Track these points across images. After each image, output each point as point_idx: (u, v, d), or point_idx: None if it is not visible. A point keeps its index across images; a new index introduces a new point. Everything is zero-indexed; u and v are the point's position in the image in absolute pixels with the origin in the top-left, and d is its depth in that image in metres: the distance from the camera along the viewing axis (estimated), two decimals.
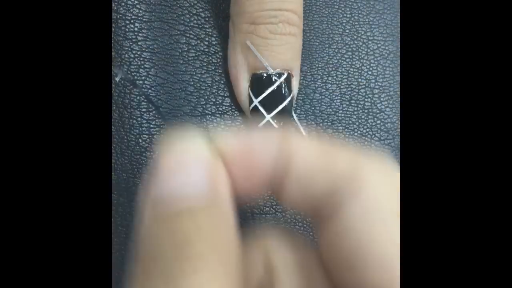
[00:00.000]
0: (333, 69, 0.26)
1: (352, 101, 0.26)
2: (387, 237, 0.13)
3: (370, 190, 0.13)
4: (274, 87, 0.23)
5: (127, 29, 0.24)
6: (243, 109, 0.24)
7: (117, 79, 0.24)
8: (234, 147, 0.14)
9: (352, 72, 0.26)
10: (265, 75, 0.23)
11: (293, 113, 0.23)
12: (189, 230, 0.13)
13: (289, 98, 0.23)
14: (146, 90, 0.24)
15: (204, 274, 0.12)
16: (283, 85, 0.23)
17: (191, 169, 0.13)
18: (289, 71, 0.23)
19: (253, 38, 0.22)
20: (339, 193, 0.14)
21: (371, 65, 0.26)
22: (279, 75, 0.23)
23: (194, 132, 0.14)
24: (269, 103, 0.23)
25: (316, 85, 0.26)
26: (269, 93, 0.23)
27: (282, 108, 0.23)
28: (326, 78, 0.26)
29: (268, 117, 0.23)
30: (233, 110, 0.25)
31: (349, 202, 0.13)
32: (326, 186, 0.14)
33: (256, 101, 0.23)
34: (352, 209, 0.13)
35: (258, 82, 0.23)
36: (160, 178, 0.13)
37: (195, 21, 0.25)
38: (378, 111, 0.26)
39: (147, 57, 0.24)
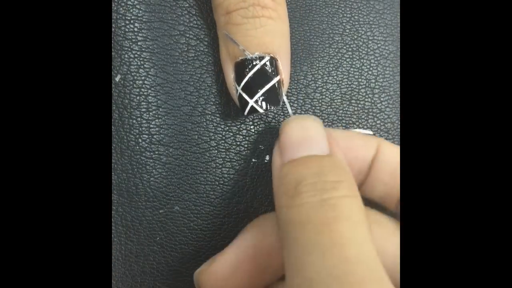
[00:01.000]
0: (334, 69, 0.26)
1: (353, 101, 0.26)
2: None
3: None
4: (254, 71, 0.22)
5: (127, 29, 0.24)
6: (234, 101, 0.24)
7: (117, 79, 0.24)
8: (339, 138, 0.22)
9: (352, 72, 0.26)
10: (243, 60, 0.22)
11: (283, 95, 0.22)
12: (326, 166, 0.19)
13: (273, 81, 0.23)
14: (146, 90, 0.24)
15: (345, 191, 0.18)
16: (266, 68, 0.22)
17: (316, 140, 0.21)
18: (271, 54, 0.23)
19: (229, 27, 0.22)
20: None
21: (371, 65, 0.26)
22: (260, 58, 0.22)
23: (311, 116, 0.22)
24: (252, 87, 0.22)
25: (317, 85, 0.26)
26: (251, 78, 0.22)
27: (268, 91, 0.23)
28: (326, 78, 0.26)
29: (251, 101, 0.23)
30: (233, 110, 0.25)
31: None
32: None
33: (239, 89, 0.23)
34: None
35: (238, 68, 0.23)
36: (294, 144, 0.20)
37: (194, 22, 0.25)
38: (378, 111, 0.26)
39: (147, 57, 0.24)
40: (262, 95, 0.22)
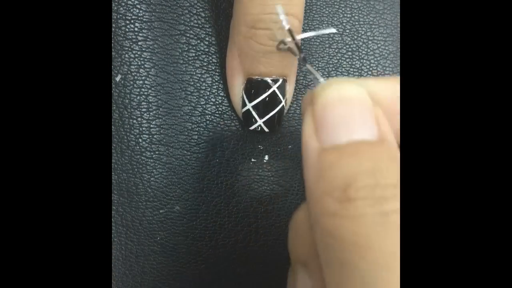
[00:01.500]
0: (333, 69, 0.26)
1: None
2: None
3: None
4: (268, 93, 0.23)
5: (127, 29, 0.24)
6: (235, 110, 0.25)
7: (117, 79, 0.24)
8: (388, 94, 0.17)
9: (352, 72, 0.26)
10: (260, 80, 0.23)
11: (307, 64, 0.23)
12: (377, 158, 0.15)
13: (280, 105, 0.24)
14: (146, 90, 0.24)
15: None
16: (277, 92, 0.23)
17: (363, 117, 0.16)
18: (284, 77, 0.23)
19: (251, 44, 0.22)
20: None
21: (371, 65, 0.26)
22: (275, 81, 0.23)
23: (352, 82, 0.16)
24: (262, 108, 0.23)
25: None
26: (262, 99, 0.23)
27: (276, 114, 0.24)
28: (326, 78, 0.26)
29: (260, 121, 0.24)
30: (233, 111, 0.25)
31: None
32: None
33: (249, 105, 0.24)
34: None
35: (253, 87, 0.23)
36: (332, 127, 0.15)
37: (195, 21, 0.25)
38: None
39: (147, 57, 0.24)
40: (270, 117, 0.24)
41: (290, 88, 0.24)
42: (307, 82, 0.26)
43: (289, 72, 0.24)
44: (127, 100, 0.24)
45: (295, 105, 0.26)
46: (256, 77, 0.23)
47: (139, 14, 0.24)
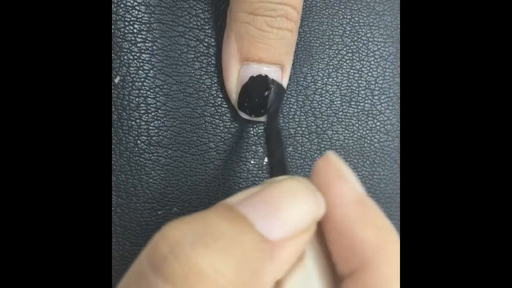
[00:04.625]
0: (333, 70, 0.26)
1: (352, 103, 0.26)
2: None
3: (384, 267, 0.15)
4: (261, 79, 0.23)
5: (126, 31, 0.24)
6: (229, 96, 0.24)
7: (116, 80, 0.24)
8: None
9: (352, 74, 0.26)
10: (258, 75, 0.23)
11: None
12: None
13: (272, 92, 0.23)
14: (145, 91, 0.24)
15: None
16: (270, 78, 0.23)
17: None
18: (280, 65, 0.23)
19: (249, 29, 0.22)
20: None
21: (371, 66, 0.26)
22: (269, 68, 0.23)
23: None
24: (253, 94, 0.23)
25: (316, 87, 0.26)
26: (254, 84, 0.23)
27: (268, 102, 0.23)
28: (326, 80, 0.26)
29: (250, 108, 0.24)
30: (232, 112, 0.25)
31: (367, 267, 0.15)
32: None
33: (239, 90, 0.24)
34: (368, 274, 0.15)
35: (248, 74, 0.23)
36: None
37: (194, 22, 0.25)
38: (378, 113, 0.26)
39: (146, 59, 0.24)
40: (260, 104, 0.23)
41: (285, 78, 0.24)
42: (307, 83, 0.26)
43: (285, 61, 0.24)
44: (126, 102, 0.24)
45: (295, 107, 0.26)
46: (252, 62, 0.23)
47: (138, 16, 0.24)
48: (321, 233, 0.16)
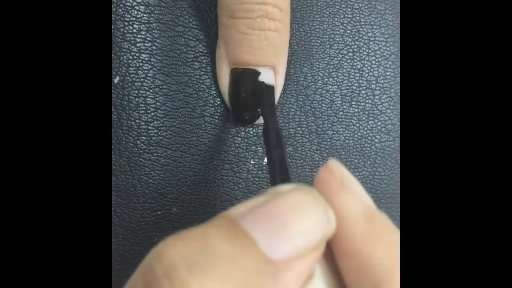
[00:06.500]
0: (334, 70, 0.26)
1: (353, 103, 0.26)
2: None
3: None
4: (250, 82, 0.23)
5: (125, 31, 0.24)
6: (224, 99, 0.24)
7: (115, 80, 0.24)
8: None
9: (353, 73, 0.26)
10: (243, 69, 0.23)
11: None
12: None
13: (267, 94, 0.23)
14: (144, 91, 0.24)
15: None
16: (262, 82, 0.23)
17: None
18: (271, 67, 0.23)
19: (232, 33, 0.22)
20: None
21: (372, 66, 0.26)
22: (258, 70, 0.23)
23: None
24: (243, 97, 0.23)
25: (317, 86, 0.26)
26: (244, 87, 0.23)
27: (263, 103, 0.23)
28: (327, 79, 0.26)
29: (242, 111, 0.24)
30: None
31: None
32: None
33: (231, 94, 0.23)
34: None
35: (236, 77, 0.23)
36: None
37: (193, 22, 0.24)
38: (379, 113, 0.26)
39: (146, 59, 0.24)
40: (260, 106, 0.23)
41: (279, 80, 0.24)
42: (307, 83, 0.26)
43: (277, 62, 0.23)
44: (125, 102, 0.24)
45: (295, 107, 0.26)
46: (241, 66, 0.23)
47: (137, 16, 0.24)
48: (330, 248, 0.15)
